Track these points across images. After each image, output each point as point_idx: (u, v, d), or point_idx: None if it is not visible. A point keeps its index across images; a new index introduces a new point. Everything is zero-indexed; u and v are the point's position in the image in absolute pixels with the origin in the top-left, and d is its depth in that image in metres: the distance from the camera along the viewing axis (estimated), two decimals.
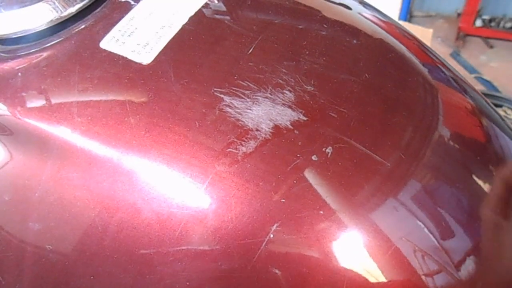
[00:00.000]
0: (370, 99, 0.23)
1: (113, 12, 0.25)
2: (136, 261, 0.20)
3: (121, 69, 0.22)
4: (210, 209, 0.20)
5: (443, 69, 0.29)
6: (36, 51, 0.23)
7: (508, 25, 2.09)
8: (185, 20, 0.24)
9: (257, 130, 0.21)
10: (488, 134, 0.28)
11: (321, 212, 0.20)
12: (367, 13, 0.30)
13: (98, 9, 0.25)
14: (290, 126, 0.21)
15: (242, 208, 0.19)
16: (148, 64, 0.22)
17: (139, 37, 0.23)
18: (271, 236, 0.19)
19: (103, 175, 0.20)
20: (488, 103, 0.32)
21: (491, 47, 2.08)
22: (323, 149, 0.21)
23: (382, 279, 0.20)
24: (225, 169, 0.20)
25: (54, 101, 0.22)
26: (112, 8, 0.25)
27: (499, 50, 2.05)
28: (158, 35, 0.23)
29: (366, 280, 0.20)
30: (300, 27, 0.25)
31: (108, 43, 0.23)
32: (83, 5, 0.24)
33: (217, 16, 0.25)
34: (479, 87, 1.72)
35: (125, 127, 0.21)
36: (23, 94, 0.22)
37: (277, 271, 0.19)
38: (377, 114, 0.22)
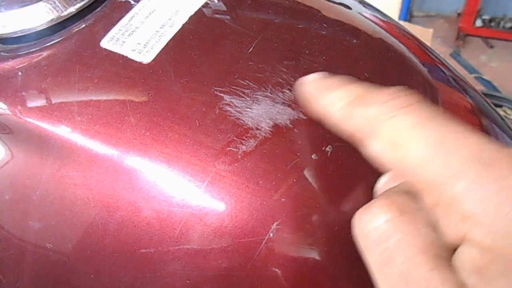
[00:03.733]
0: None
1: (114, 12, 0.25)
2: (137, 260, 0.20)
3: (121, 68, 0.22)
4: (210, 207, 0.20)
5: (443, 69, 0.29)
6: (37, 50, 0.23)
7: (508, 25, 2.09)
8: (185, 19, 0.24)
9: (257, 129, 0.21)
10: (488, 134, 0.28)
11: (321, 211, 0.20)
12: (367, 12, 0.30)
13: (98, 9, 0.25)
14: (290, 125, 0.21)
15: (242, 206, 0.19)
16: (149, 63, 0.22)
17: (139, 36, 0.23)
18: (271, 234, 0.19)
19: (104, 174, 0.20)
20: (488, 103, 0.32)
21: (491, 47, 2.08)
22: (323, 148, 0.21)
23: None
24: (225, 167, 0.20)
25: (54, 100, 0.22)
26: (112, 7, 0.25)
27: (499, 50, 2.05)
28: (158, 34, 0.23)
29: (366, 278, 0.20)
30: (300, 26, 0.25)
31: (109, 42, 0.23)
32: (84, 4, 0.25)
33: (217, 16, 0.25)
34: (479, 87, 1.72)
35: (126, 126, 0.21)
36: (24, 93, 0.22)
37: (276, 269, 0.19)
38: None
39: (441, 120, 0.15)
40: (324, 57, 0.24)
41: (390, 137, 0.16)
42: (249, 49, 0.23)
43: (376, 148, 0.16)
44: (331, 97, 0.18)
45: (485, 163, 0.14)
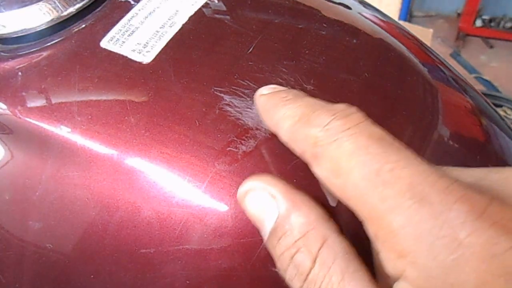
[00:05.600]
0: (370, 98, 0.23)
1: (113, 12, 0.25)
2: (136, 260, 0.20)
3: (121, 69, 0.22)
4: (210, 207, 0.20)
5: (443, 69, 0.29)
6: (37, 50, 0.23)
7: (508, 25, 2.09)
8: (185, 19, 0.24)
9: (257, 129, 0.21)
10: (488, 134, 0.28)
11: None
12: (367, 12, 0.30)
13: (98, 9, 0.25)
14: None
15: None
16: (148, 64, 0.22)
17: (139, 37, 0.23)
18: None
19: (103, 174, 0.20)
20: (488, 103, 0.32)
21: (491, 47, 2.08)
22: None
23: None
24: (225, 168, 0.20)
25: (54, 100, 0.22)
26: (112, 7, 0.25)
27: (499, 50, 2.05)
28: (158, 35, 0.23)
29: None
30: (300, 26, 0.25)
31: (108, 42, 0.23)
32: (84, 4, 0.25)
33: (217, 16, 0.25)
34: (479, 87, 1.72)
35: (125, 126, 0.21)
36: (23, 93, 0.22)
37: (276, 270, 0.19)
38: (376, 113, 0.22)
39: (381, 146, 0.15)
40: (324, 57, 0.24)
41: (331, 164, 0.15)
42: (249, 49, 0.23)
43: (320, 173, 0.16)
44: (278, 115, 0.18)
45: (418, 198, 0.13)
